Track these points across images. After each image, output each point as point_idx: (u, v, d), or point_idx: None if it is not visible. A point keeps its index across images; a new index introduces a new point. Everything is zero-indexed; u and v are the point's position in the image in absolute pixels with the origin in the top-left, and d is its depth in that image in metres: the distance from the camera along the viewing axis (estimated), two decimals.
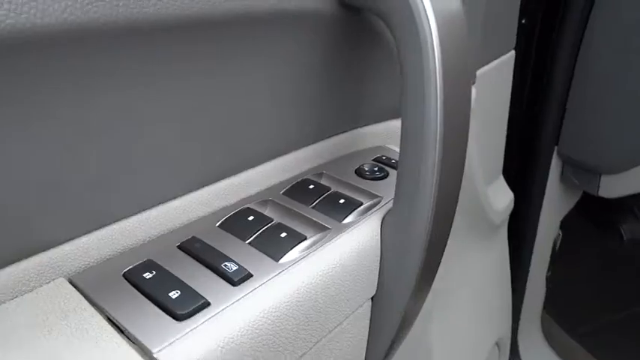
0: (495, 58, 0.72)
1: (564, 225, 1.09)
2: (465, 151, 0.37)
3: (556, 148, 0.94)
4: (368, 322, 0.41)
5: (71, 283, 0.32)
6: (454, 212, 0.39)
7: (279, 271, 0.34)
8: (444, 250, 0.41)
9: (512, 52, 0.77)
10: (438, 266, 0.41)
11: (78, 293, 0.31)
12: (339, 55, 0.44)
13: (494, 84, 0.75)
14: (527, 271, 1.06)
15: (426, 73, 0.33)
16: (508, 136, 0.97)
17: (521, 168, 0.98)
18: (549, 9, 0.86)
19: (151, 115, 0.33)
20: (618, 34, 0.80)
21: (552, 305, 1.16)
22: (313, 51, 0.42)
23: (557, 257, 1.12)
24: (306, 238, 0.37)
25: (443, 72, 0.33)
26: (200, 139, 0.37)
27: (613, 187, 0.90)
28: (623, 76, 0.81)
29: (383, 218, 0.40)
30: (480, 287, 0.83)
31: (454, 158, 0.36)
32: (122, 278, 0.32)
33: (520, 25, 0.88)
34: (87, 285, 0.31)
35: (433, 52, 0.33)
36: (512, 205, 0.86)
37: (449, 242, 0.40)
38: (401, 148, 0.37)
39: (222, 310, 0.30)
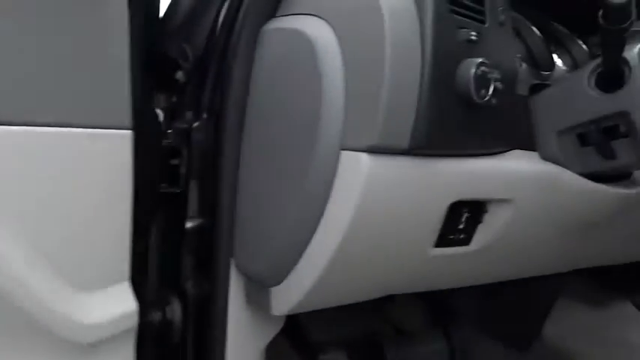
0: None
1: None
2: None
3: (233, 260, 0.88)
4: None
5: None
6: None
7: None
8: None
9: (128, 133, 0.68)
10: None
11: None
12: None
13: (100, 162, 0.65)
14: None
15: None
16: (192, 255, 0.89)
17: (204, 290, 0.90)
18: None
19: None
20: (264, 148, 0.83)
21: None
22: None
23: None
24: None
25: None
26: None
27: (281, 301, 0.81)
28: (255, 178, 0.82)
29: None
30: None
31: None
32: None
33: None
34: None
35: None
36: (131, 320, 0.70)
37: None
38: None
39: None
